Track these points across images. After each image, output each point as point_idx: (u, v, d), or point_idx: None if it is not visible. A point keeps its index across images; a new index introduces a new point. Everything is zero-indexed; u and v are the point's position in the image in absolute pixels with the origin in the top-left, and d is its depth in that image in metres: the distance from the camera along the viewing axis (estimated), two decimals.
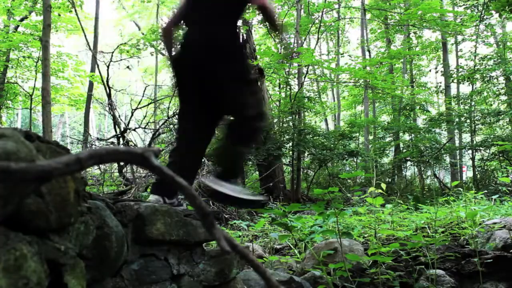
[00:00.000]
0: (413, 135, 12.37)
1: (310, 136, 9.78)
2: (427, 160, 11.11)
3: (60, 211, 0.94)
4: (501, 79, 11.64)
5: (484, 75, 11.41)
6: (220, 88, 2.07)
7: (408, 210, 4.80)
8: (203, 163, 8.07)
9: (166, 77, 22.16)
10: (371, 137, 14.22)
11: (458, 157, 11.91)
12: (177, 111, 2.52)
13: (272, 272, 2.39)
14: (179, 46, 2.16)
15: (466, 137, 13.12)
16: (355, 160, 12.68)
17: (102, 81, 8.74)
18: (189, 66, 2.10)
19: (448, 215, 3.69)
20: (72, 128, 30.96)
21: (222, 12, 2.10)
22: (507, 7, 5.82)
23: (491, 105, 12.51)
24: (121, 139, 7.45)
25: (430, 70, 16.45)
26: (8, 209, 0.77)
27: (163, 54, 16.31)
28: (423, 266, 2.60)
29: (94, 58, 10.81)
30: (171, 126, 8.41)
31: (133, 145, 7.56)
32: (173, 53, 2.21)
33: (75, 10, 10.29)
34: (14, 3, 10.79)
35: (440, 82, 17.00)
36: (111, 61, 8.40)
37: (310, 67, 13.14)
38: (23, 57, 11.89)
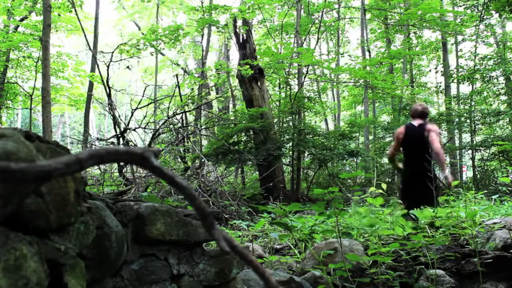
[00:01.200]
0: None
1: (310, 136, 9.78)
2: None
3: (60, 211, 0.94)
4: (501, 79, 11.64)
5: (484, 75, 11.41)
6: (422, 189, 4.02)
7: None
8: (203, 163, 8.13)
9: (166, 77, 22.19)
10: (371, 137, 14.22)
11: (458, 157, 11.91)
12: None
13: (272, 272, 2.39)
14: (403, 169, 4.50)
15: (466, 137, 13.12)
16: (355, 160, 12.68)
17: (102, 81, 8.74)
18: (410, 179, 4.35)
19: (448, 215, 3.68)
20: (72, 128, 30.97)
21: (420, 157, 4.15)
22: (507, 7, 5.82)
23: (491, 105, 12.51)
24: (121, 139, 7.45)
25: (430, 70, 16.44)
26: (8, 209, 0.77)
27: (163, 54, 16.32)
28: (423, 266, 2.60)
29: (94, 58, 10.81)
30: (171, 126, 8.42)
31: (133, 145, 7.56)
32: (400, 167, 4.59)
33: (75, 10, 10.29)
34: (14, 3, 10.79)
35: (440, 82, 17.01)
36: (111, 61, 8.40)
37: (310, 67, 13.14)
38: (23, 57, 11.90)
